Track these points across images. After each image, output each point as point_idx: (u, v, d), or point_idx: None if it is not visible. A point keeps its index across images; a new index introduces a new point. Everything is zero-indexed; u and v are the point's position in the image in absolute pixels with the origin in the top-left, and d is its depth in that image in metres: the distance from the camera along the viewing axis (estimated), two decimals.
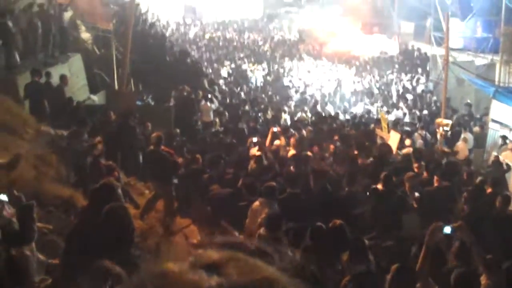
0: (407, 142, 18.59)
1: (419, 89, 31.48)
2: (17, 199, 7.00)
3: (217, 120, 21.04)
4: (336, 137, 17.40)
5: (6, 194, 6.76)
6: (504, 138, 20.81)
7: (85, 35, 24.25)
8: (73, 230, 6.57)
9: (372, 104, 27.93)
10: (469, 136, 21.07)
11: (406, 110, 25.80)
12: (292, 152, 14.69)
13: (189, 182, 12.18)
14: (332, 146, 15.94)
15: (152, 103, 21.76)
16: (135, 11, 24.32)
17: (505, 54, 23.61)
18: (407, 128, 21.98)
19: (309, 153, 13.73)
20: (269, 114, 22.62)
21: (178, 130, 17.51)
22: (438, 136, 19.85)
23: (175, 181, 12.20)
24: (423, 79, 33.61)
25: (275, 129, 16.46)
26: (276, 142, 15.77)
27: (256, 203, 9.57)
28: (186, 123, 19.59)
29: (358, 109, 27.17)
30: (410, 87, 32.04)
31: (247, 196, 10.41)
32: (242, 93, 28.29)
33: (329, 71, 36.71)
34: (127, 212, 6.26)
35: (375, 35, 43.83)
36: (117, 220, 5.96)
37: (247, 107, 23.61)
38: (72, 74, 19.68)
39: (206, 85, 25.70)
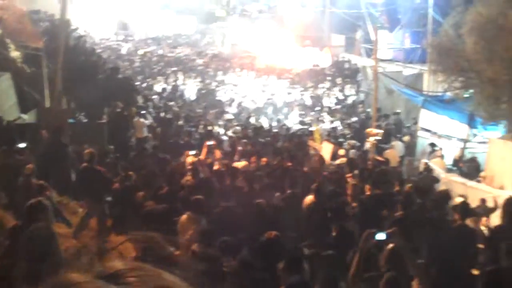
0: (341, 152, 18.88)
1: (351, 100, 32.03)
2: None
3: (151, 135, 20.99)
4: (270, 150, 17.57)
5: None
6: (432, 145, 21.39)
7: (15, 53, 23.81)
8: (4, 251, 6.48)
9: (305, 116, 28.23)
10: (399, 144, 21.56)
11: (338, 121, 26.19)
12: (240, 164, 14.77)
13: (123, 200, 12.11)
14: (264, 159, 16.02)
15: (85, 121, 21.52)
16: (66, 28, 24.03)
17: (432, 64, 24.24)
18: (340, 139, 22.34)
19: (241, 166, 13.84)
20: (203, 128, 22.65)
21: (111, 147, 17.38)
22: (369, 145, 20.25)
23: (109, 198, 12.12)
24: (353, 90, 34.22)
25: (210, 142, 16.51)
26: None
27: (184, 217, 9.54)
28: (119, 139, 19.46)
29: (291, 121, 27.43)
30: (341, 98, 32.56)
31: (183, 211, 10.39)
32: (176, 108, 28.21)
33: (262, 84, 36.94)
34: (52, 233, 6.20)
35: (307, 48, 44.34)
36: (39, 241, 5.89)
37: (181, 122, 23.62)
38: (1, 93, 19.31)
39: (140, 101, 25.59)
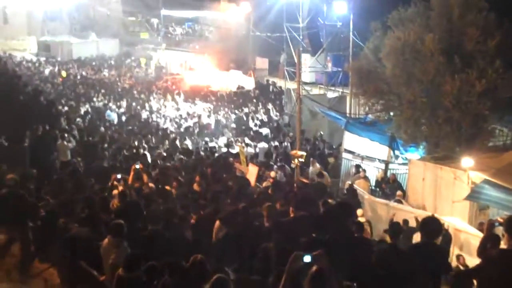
0: (272, 174, 19.02)
1: (275, 122, 32.37)
2: None
3: (76, 159, 20.68)
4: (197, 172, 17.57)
5: None
6: (357, 167, 21.84)
7: None
8: None
9: (230, 138, 28.35)
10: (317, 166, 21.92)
11: (264, 144, 26.38)
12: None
13: (45, 225, 11.87)
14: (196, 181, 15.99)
15: (5, 144, 21.01)
16: None
17: (354, 87, 24.79)
18: (266, 161, 22.49)
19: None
20: (128, 151, 22.45)
21: (34, 171, 17.02)
22: (293, 166, 20.48)
23: (31, 224, 11.85)
24: (278, 113, 34.63)
25: (137, 166, 16.37)
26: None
27: (105, 241, 9.45)
28: (42, 163, 19.09)
29: (216, 143, 27.50)
30: (266, 120, 32.86)
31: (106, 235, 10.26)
32: (101, 130, 27.90)
33: (187, 106, 36.95)
34: None
35: (231, 71, 44.66)
36: None
37: (105, 145, 23.39)
38: None
39: (63, 124, 25.19)
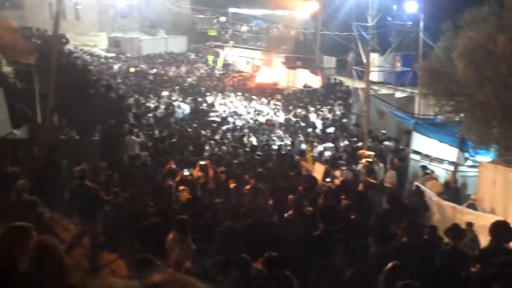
0: (338, 173, 18.87)
1: (343, 122, 32.12)
2: None
3: (143, 153, 20.97)
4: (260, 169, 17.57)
5: None
6: (424, 168, 21.44)
7: (6, 68, 23.81)
8: None
9: (296, 136, 28.25)
10: (381, 166, 21.66)
11: (330, 142, 26.22)
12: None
13: (114, 217, 12.07)
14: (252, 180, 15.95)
15: (77, 137, 21.47)
16: (59, 44, 24.03)
17: (423, 88, 24.36)
18: (332, 160, 22.35)
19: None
20: (194, 147, 22.66)
21: (104, 164, 17.35)
22: (361, 166, 20.29)
23: (101, 216, 12.06)
24: (345, 112, 34.33)
25: (202, 162, 16.51)
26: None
27: (170, 236, 9.54)
28: (111, 157, 19.42)
29: (283, 142, 27.47)
30: (333, 119, 32.66)
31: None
32: (168, 125, 28.24)
33: (253, 104, 37.04)
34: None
35: (298, 69, 44.52)
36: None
37: (173, 140, 23.64)
38: None
39: (131, 119, 25.59)
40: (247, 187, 14.57)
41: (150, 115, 30.66)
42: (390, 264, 7.39)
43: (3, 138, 17.29)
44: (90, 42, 55.61)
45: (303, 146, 24.12)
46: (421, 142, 22.94)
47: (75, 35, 51.83)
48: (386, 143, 25.38)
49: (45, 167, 14.08)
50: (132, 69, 48.48)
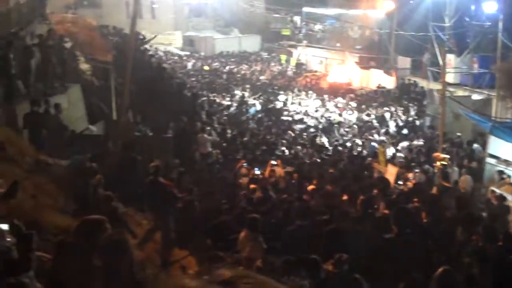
0: (411, 175, 18.57)
1: (417, 123, 31.59)
2: (17, 228, 6.97)
3: (215, 151, 21.09)
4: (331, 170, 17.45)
5: (6, 223, 6.73)
6: (500, 173, 20.84)
7: (84, 65, 24.36)
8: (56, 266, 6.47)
9: (369, 137, 27.95)
10: (455, 169, 21.17)
11: (404, 144, 25.83)
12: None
13: (186, 214, 12.15)
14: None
15: (150, 134, 21.78)
16: (135, 43, 24.39)
17: (501, 90, 23.74)
18: (405, 162, 22.00)
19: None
20: (266, 146, 22.66)
21: (177, 161, 17.51)
22: (436, 170, 19.86)
23: (173, 212, 12.14)
24: (419, 113, 33.75)
25: (274, 162, 16.49)
26: None
27: (242, 234, 9.57)
28: (184, 154, 19.59)
29: (355, 142, 27.20)
30: (407, 120, 32.18)
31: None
32: (241, 124, 28.35)
33: (326, 104, 36.84)
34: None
35: (372, 69, 44.07)
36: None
37: (244, 139, 23.70)
38: (70, 104, 19.72)
39: (204, 117, 25.78)
40: (311, 187, 14.48)
41: (223, 113, 30.85)
42: (440, 269, 7.20)
43: (80, 133, 17.67)
44: (165, 40, 56.41)
45: (376, 147, 23.81)
46: (498, 146, 22.32)
47: (151, 33, 52.71)
48: (475, 145, 24.67)
49: (120, 163, 14.30)
50: (206, 67, 48.99)
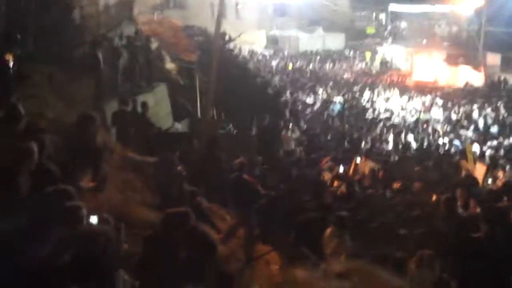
0: (500, 174, 18.07)
1: (507, 122, 30.62)
2: (106, 221, 7.14)
3: (299, 149, 21.05)
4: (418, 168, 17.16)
5: (95, 216, 6.91)
6: None
7: (170, 65, 24.80)
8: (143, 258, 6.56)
9: (457, 135, 27.34)
10: None
11: (494, 142, 25.14)
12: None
13: (270, 210, 12.16)
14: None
15: (234, 132, 21.94)
16: (220, 43, 24.66)
17: None
18: (494, 160, 21.41)
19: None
20: (350, 144, 22.50)
21: (260, 158, 17.56)
22: None
23: (257, 208, 12.18)
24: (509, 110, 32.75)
25: (359, 159, 16.35)
26: None
27: (328, 230, 9.54)
28: (267, 152, 19.64)
29: (442, 140, 26.64)
30: (497, 119, 31.26)
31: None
32: (324, 122, 28.27)
33: (412, 101, 36.25)
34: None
35: (460, 66, 43.06)
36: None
37: (328, 137, 23.59)
38: (157, 102, 20.09)
39: (287, 115, 25.78)
40: (397, 185, 14.28)
41: (307, 111, 30.80)
42: None
43: (166, 130, 17.98)
44: (249, 39, 56.80)
45: (464, 145, 23.25)
46: None
47: (235, 33, 53.16)
48: None
49: (205, 160, 14.45)
50: (290, 66, 49.05)
